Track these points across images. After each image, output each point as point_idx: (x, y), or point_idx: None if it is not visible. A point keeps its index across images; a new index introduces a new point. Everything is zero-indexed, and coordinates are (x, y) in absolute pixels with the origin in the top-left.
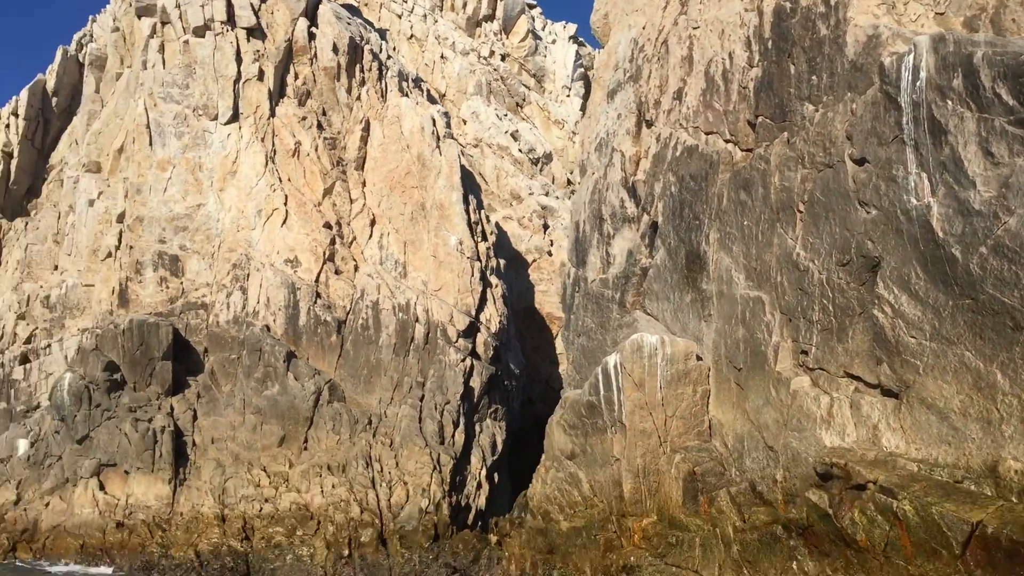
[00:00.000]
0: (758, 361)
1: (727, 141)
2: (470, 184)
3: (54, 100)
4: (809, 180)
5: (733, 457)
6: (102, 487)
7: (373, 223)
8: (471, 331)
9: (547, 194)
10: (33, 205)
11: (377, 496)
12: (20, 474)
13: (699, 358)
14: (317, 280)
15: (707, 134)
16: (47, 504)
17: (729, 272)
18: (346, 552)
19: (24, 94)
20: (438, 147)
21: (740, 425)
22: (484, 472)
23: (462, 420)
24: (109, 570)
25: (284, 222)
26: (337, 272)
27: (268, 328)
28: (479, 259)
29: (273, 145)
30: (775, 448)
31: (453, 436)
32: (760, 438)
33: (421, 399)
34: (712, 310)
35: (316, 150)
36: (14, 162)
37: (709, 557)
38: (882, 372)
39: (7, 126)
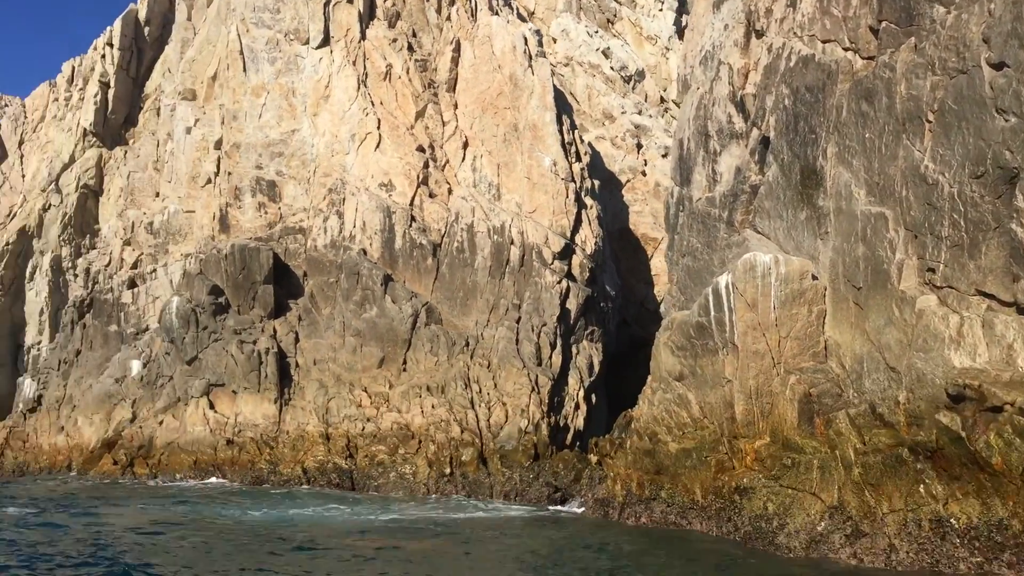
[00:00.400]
0: (879, 280)
1: (846, 49)
2: (562, 104)
3: (146, 29)
4: (940, 88)
5: (851, 378)
6: (212, 406)
7: (466, 145)
8: (566, 253)
9: (640, 113)
10: (131, 134)
11: (476, 416)
12: (135, 393)
13: (814, 277)
14: (412, 203)
15: (824, 42)
16: (161, 422)
17: (848, 187)
18: (448, 470)
19: (117, 24)
20: (530, 66)
21: (859, 346)
22: (582, 393)
23: (559, 342)
24: (223, 481)
25: (377, 146)
26: (431, 195)
27: (365, 252)
28: (573, 180)
29: (364, 68)
30: (898, 369)
31: (550, 358)
32: (881, 359)
33: (518, 321)
34: (829, 227)
35: (407, 72)
36: (111, 92)
37: (828, 479)
38: (1019, 289)
39: (103, 56)
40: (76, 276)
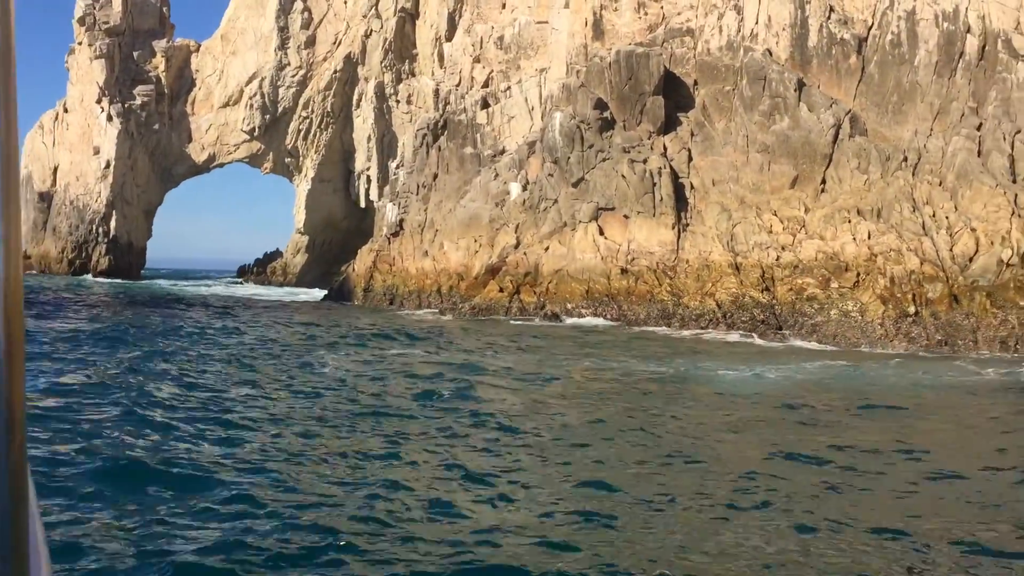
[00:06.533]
0: None
1: None
2: None
3: None
4: None
5: None
6: (601, 231)
7: None
8: None
9: None
10: None
11: (935, 245)
12: (517, 218)
13: None
14: None
15: None
16: (546, 248)
17: None
18: (911, 309)
19: None
20: None
21: None
22: None
23: None
24: (600, 321)
25: None
26: None
27: (770, 52)
28: None
29: None
30: None
31: None
32: None
33: (978, 128)
34: None
35: None
36: None
37: None
38: None
39: None
40: (398, 102)
